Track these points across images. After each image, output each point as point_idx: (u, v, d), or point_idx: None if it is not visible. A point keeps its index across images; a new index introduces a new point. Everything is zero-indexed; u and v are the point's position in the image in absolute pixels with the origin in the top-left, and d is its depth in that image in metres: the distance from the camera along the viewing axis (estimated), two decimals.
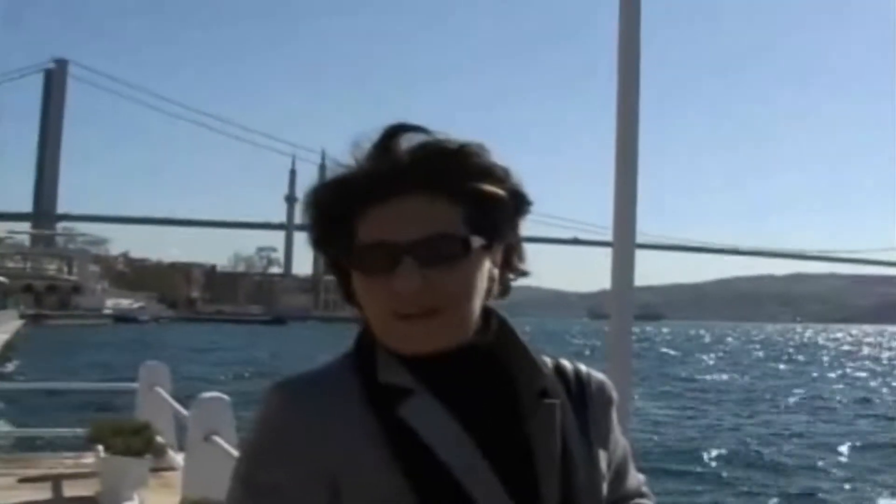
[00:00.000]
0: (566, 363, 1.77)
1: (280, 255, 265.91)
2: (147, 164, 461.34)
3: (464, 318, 1.58)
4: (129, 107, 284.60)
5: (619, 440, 1.80)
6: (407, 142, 1.59)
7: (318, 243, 1.66)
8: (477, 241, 1.57)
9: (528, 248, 1.71)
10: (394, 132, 1.60)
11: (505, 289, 1.69)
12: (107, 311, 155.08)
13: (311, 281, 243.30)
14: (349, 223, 1.59)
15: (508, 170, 1.62)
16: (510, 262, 1.68)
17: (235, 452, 7.29)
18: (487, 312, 1.64)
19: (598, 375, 1.81)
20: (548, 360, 1.73)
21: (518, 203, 1.64)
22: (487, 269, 1.61)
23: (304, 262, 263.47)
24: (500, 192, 1.60)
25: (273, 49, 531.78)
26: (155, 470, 9.67)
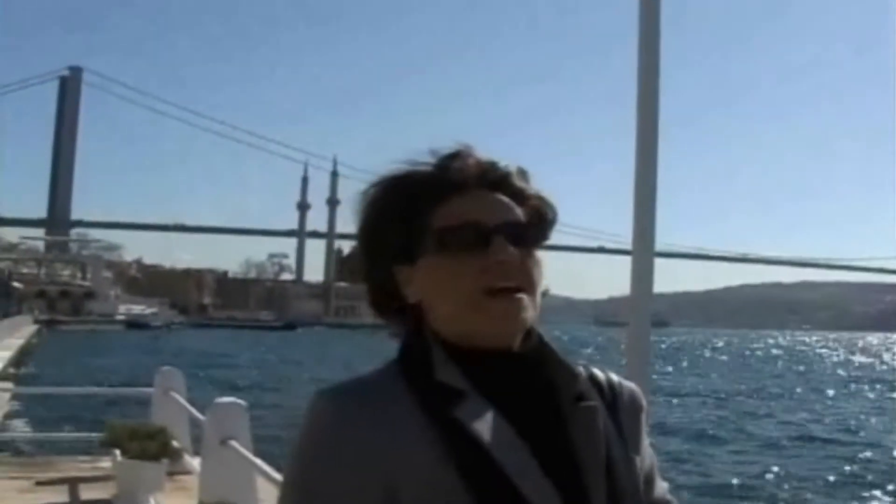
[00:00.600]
0: (598, 372, 1.84)
1: (291, 261, 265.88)
2: (160, 170, 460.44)
3: (537, 305, 1.68)
4: (143, 114, 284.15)
5: (647, 448, 1.85)
6: (473, 154, 1.75)
7: (378, 234, 1.74)
8: (545, 232, 1.77)
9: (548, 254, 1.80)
10: (463, 147, 1.76)
11: None
12: (119, 317, 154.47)
13: (322, 287, 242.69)
14: (420, 215, 1.69)
15: (544, 195, 1.79)
16: None
17: (251, 457, 7.36)
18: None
19: (629, 384, 1.87)
20: (580, 370, 1.79)
21: (552, 218, 1.78)
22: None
23: (315, 268, 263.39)
24: (551, 203, 1.77)
25: (286, 57, 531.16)
26: (170, 474, 9.68)
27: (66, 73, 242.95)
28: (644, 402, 1.88)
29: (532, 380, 1.67)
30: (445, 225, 1.66)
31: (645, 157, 3.39)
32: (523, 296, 1.64)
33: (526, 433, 1.60)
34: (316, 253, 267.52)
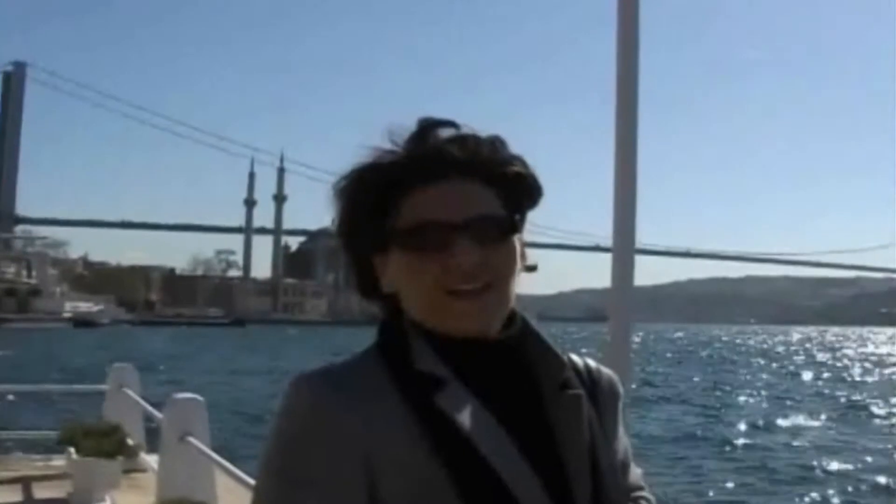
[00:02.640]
0: (576, 358, 1.82)
1: (239, 257, 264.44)
2: (106, 167, 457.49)
3: (509, 298, 1.65)
4: (90, 110, 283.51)
5: (622, 434, 1.84)
6: (441, 132, 1.68)
7: (351, 228, 1.71)
8: (519, 221, 1.69)
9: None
10: (428, 124, 1.68)
11: None
12: (66, 315, 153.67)
13: (269, 283, 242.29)
14: (386, 207, 1.65)
15: (525, 161, 1.71)
16: (522, 256, 1.71)
17: (211, 453, 7.32)
18: (511, 309, 1.69)
19: (607, 370, 1.86)
20: (566, 357, 1.78)
21: (537, 191, 1.73)
22: (519, 253, 1.68)
23: (262, 264, 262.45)
24: (528, 173, 1.70)
25: (233, 52, 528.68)
26: (126, 471, 9.63)
27: (9, 68, 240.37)
28: (621, 390, 1.87)
29: (513, 367, 1.66)
30: (405, 225, 1.62)
31: (624, 154, 3.39)
32: (489, 294, 1.61)
33: (508, 421, 1.59)
34: (263, 249, 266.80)
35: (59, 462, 10.44)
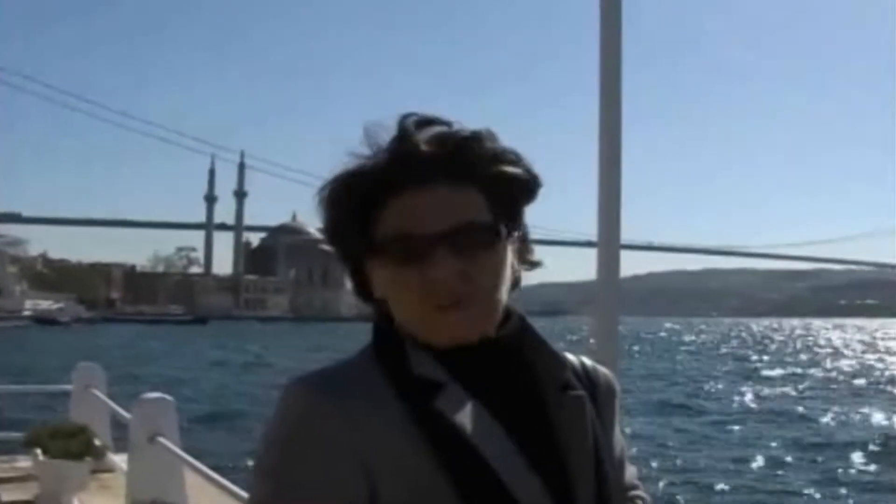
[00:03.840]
0: (572, 357, 1.79)
1: (200, 254, 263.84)
2: (65, 164, 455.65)
3: (495, 307, 1.59)
4: (48, 107, 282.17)
5: (618, 433, 1.83)
6: (421, 132, 1.60)
7: (336, 236, 1.65)
8: (504, 229, 1.60)
9: None
10: (407, 122, 1.61)
11: (516, 281, 1.68)
12: (26, 313, 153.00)
13: (231, 280, 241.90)
14: (369, 214, 1.59)
15: (518, 153, 1.64)
16: (521, 254, 1.68)
17: (181, 453, 7.26)
18: (506, 308, 1.65)
19: (604, 369, 1.85)
20: (567, 357, 1.76)
21: (532, 185, 1.66)
22: (510, 258, 1.62)
23: (224, 261, 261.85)
24: (518, 172, 1.62)
25: (193, 50, 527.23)
26: (93, 472, 9.53)
27: None
28: (618, 388, 1.85)
29: (512, 367, 1.62)
30: (389, 235, 1.57)
31: (609, 147, 3.41)
32: (473, 307, 1.56)
33: (508, 423, 1.56)
34: (224, 246, 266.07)
35: (24, 464, 10.31)
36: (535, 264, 1.70)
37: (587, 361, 1.82)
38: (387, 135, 1.62)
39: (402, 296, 1.57)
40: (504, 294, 1.61)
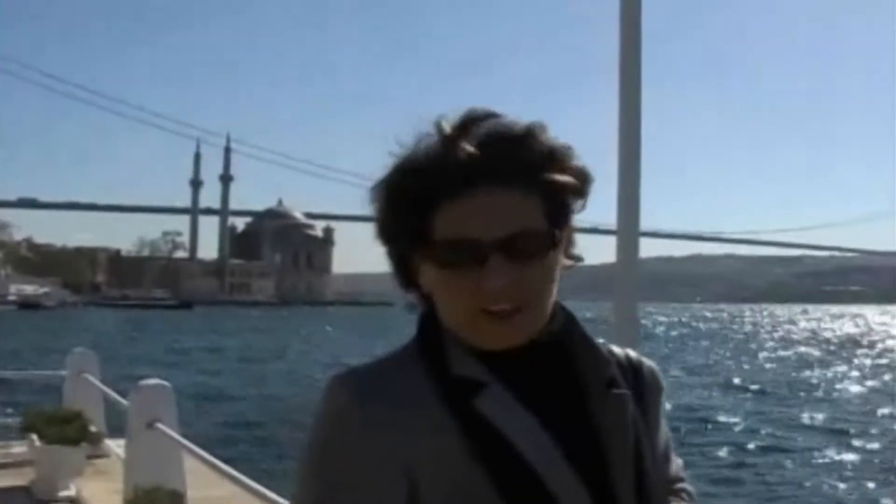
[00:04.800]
0: (618, 350, 1.78)
1: (185, 239, 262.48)
2: (51, 148, 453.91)
3: (545, 312, 1.59)
4: (33, 90, 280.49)
5: (664, 426, 1.81)
6: (476, 129, 1.58)
7: (389, 233, 1.64)
8: (559, 235, 1.59)
9: None
10: (460, 121, 1.59)
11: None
12: (11, 297, 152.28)
13: (216, 265, 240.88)
14: (424, 213, 1.57)
15: (570, 148, 1.63)
16: (567, 249, 1.66)
17: (181, 439, 7.27)
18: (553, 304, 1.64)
19: (649, 362, 1.83)
20: (611, 353, 1.75)
21: (585, 183, 1.64)
22: (561, 259, 1.62)
23: (209, 246, 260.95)
24: (572, 180, 1.60)
25: (178, 33, 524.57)
26: (88, 458, 9.55)
27: None
28: (663, 382, 1.84)
29: (556, 367, 1.62)
30: (444, 239, 1.55)
31: (628, 137, 3.42)
32: (522, 315, 1.55)
33: (551, 422, 1.56)
34: (210, 230, 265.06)
35: (19, 449, 10.31)
36: (578, 258, 1.68)
37: (633, 355, 1.81)
38: (437, 133, 1.60)
39: (452, 298, 1.56)
40: (554, 296, 1.61)
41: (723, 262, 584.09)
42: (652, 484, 1.63)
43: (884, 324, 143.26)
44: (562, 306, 1.67)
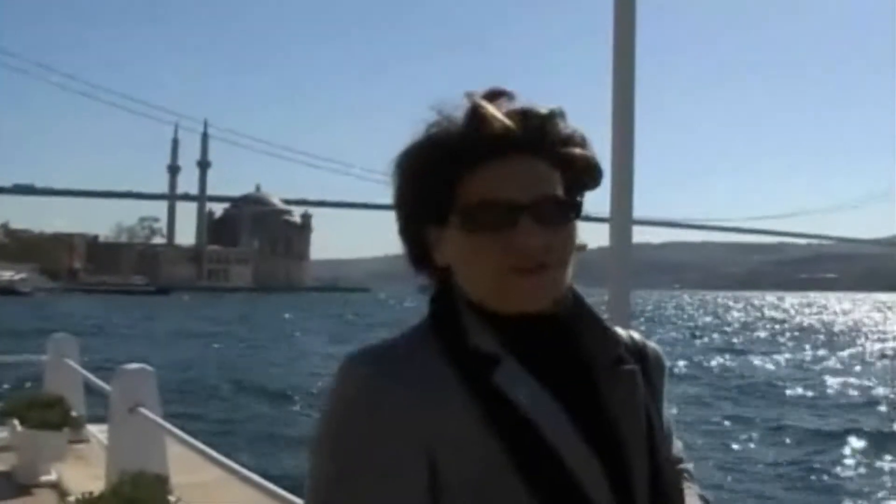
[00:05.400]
0: (622, 331, 1.80)
1: (163, 224, 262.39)
2: (27, 133, 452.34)
3: (565, 278, 1.62)
4: (9, 75, 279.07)
5: (665, 407, 1.83)
6: (503, 105, 1.62)
7: (410, 207, 1.67)
8: (581, 204, 1.64)
9: None
10: (482, 96, 1.63)
11: None
12: None
13: (194, 251, 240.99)
14: (452, 183, 1.60)
15: (585, 136, 1.68)
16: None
17: (164, 423, 7.25)
18: None
19: (653, 344, 1.85)
20: (619, 332, 1.77)
21: (597, 172, 1.69)
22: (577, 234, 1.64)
23: (186, 232, 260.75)
24: (590, 158, 1.66)
25: (158, 17, 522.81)
26: (69, 443, 9.51)
27: None
28: (666, 362, 1.86)
29: (567, 342, 1.64)
30: (470, 203, 1.58)
31: (622, 120, 3.43)
32: (548, 275, 1.58)
33: (563, 397, 1.57)
34: (187, 216, 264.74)
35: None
36: (582, 247, 1.69)
37: (636, 336, 1.84)
38: (457, 108, 1.63)
39: (482, 260, 1.58)
40: (571, 268, 1.64)
41: (701, 250, 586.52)
42: (664, 460, 1.66)
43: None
44: (570, 286, 1.68)
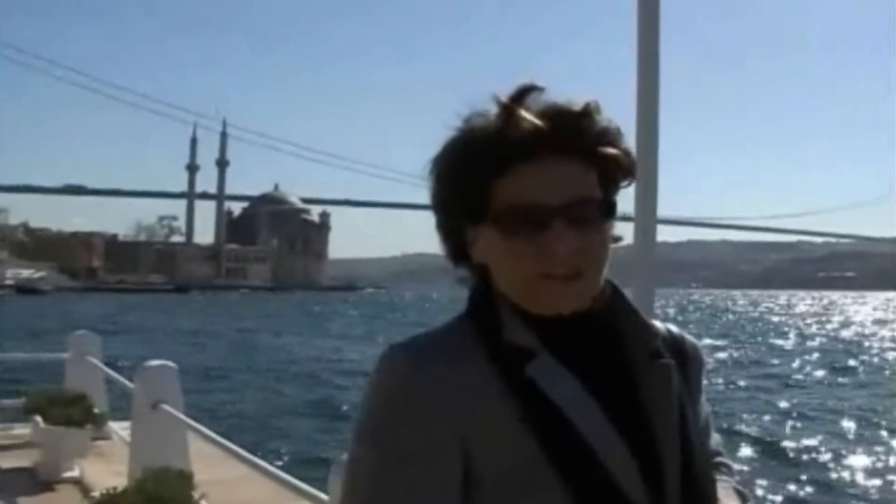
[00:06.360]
0: (660, 325, 1.81)
1: (181, 223, 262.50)
2: (47, 133, 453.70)
3: (600, 280, 1.63)
4: (26, 75, 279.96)
5: (704, 401, 1.84)
6: (534, 103, 1.61)
7: (446, 207, 1.67)
8: (615, 205, 1.64)
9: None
10: (524, 92, 1.62)
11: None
12: (8, 282, 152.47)
13: (212, 249, 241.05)
14: (486, 184, 1.60)
15: (620, 129, 1.67)
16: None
17: (187, 419, 7.28)
18: None
19: (690, 338, 1.85)
20: (657, 325, 1.77)
21: (633, 166, 1.69)
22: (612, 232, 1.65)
23: (205, 230, 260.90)
24: (624, 152, 1.66)
25: (177, 17, 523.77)
26: (91, 440, 9.54)
27: None
28: (704, 357, 1.86)
29: (604, 337, 1.65)
30: (503, 205, 1.58)
31: (646, 118, 3.41)
32: (582, 280, 1.59)
33: (598, 390, 1.58)
34: (206, 214, 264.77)
35: (21, 431, 10.30)
36: (618, 239, 1.70)
37: (674, 329, 1.84)
38: (491, 105, 1.63)
39: (514, 264, 1.59)
40: (607, 266, 1.64)
41: (718, 248, 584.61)
42: (697, 454, 1.65)
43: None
44: (608, 279, 1.69)
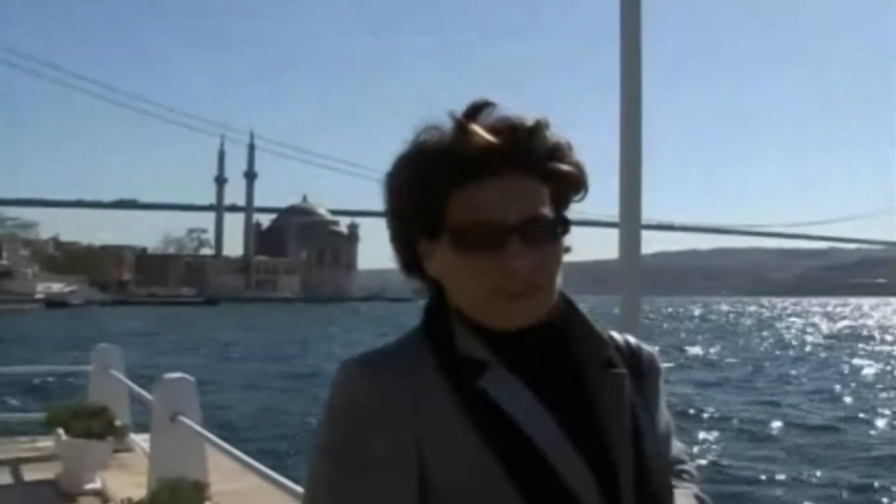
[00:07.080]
0: (616, 335, 1.82)
1: (210, 236, 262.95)
2: (76, 147, 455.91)
3: (554, 293, 1.64)
4: (55, 89, 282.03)
5: (664, 409, 1.84)
6: (486, 118, 1.62)
7: (403, 218, 1.68)
8: (568, 222, 1.65)
9: None
10: (477, 108, 1.63)
11: None
12: (38, 296, 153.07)
13: (242, 261, 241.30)
14: (439, 200, 1.61)
15: (571, 144, 1.68)
16: None
17: (204, 432, 7.33)
18: None
19: (647, 347, 1.86)
20: (608, 335, 1.78)
21: (583, 182, 1.70)
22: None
23: (234, 242, 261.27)
24: (575, 167, 1.67)
25: (203, 30, 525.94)
26: (113, 452, 9.60)
27: None
28: (661, 365, 1.87)
29: (557, 348, 1.67)
30: (459, 222, 1.59)
31: (629, 128, 3.43)
32: (537, 296, 1.61)
33: (551, 401, 1.59)
34: (235, 227, 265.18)
35: (45, 444, 10.40)
36: (567, 249, 1.69)
37: (632, 340, 1.85)
38: (448, 120, 1.64)
39: (471, 280, 1.60)
40: (560, 279, 1.65)
41: (748, 256, 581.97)
42: (652, 463, 1.66)
43: None
44: (560, 291, 1.70)
